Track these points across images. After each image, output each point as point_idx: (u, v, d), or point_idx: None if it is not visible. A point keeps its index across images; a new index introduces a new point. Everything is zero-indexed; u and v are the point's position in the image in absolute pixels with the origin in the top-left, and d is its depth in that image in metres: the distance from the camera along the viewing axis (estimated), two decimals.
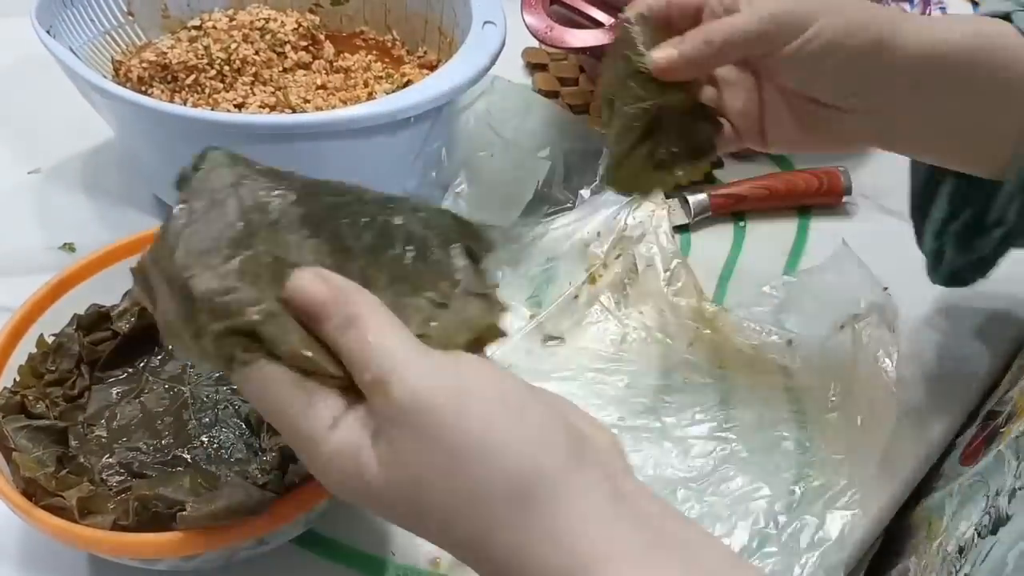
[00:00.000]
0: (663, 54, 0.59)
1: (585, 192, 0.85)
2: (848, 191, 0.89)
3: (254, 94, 0.84)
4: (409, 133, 0.76)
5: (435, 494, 0.39)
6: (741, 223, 0.88)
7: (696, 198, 0.87)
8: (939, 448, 0.71)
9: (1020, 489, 0.54)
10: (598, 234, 0.81)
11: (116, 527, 0.52)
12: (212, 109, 0.82)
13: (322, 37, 0.92)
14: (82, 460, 0.57)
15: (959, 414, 0.73)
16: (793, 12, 0.56)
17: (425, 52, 0.93)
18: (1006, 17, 0.58)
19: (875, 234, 0.85)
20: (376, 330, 0.41)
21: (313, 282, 0.43)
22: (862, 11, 0.57)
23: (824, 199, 0.89)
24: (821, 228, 0.88)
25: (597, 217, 0.82)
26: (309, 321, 0.43)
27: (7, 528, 0.61)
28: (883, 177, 0.93)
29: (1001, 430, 0.64)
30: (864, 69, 0.57)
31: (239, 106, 0.82)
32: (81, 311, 0.65)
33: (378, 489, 0.40)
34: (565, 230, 0.83)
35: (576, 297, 0.77)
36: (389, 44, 0.95)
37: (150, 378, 0.63)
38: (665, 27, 0.60)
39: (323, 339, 0.42)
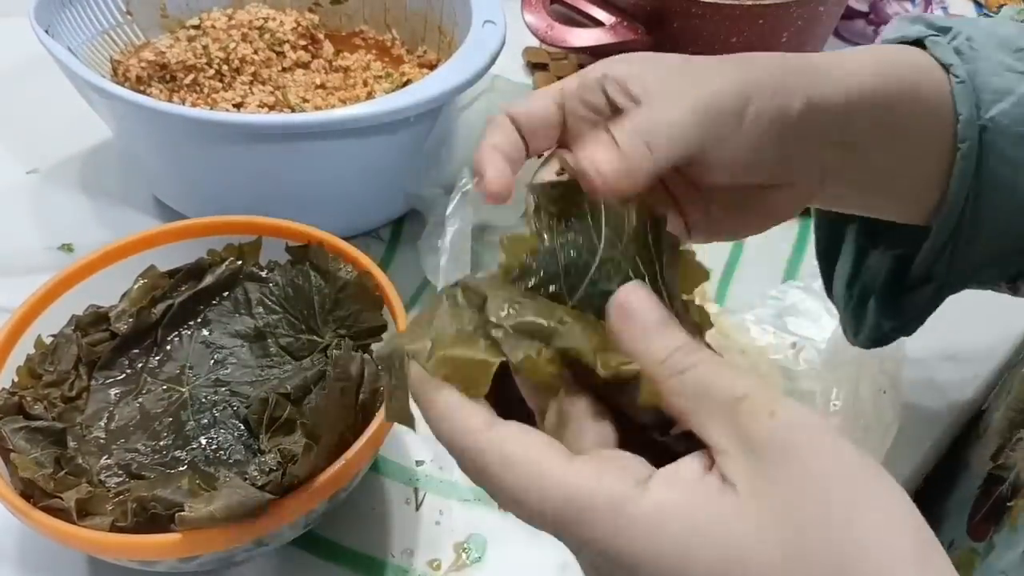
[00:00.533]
0: (601, 158, 0.43)
1: None
2: None
3: (253, 93, 0.83)
4: (409, 132, 0.76)
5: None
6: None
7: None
8: (936, 454, 0.71)
9: None
10: None
11: (114, 528, 0.52)
12: (211, 109, 0.81)
13: (321, 36, 0.92)
14: (80, 461, 0.57)
15: (957, 420, 0.73)
16: (723, 97, 0.45)
17: (425, 51, 0.93)
18: (917, 43, 0.51)
19: None
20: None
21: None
22: (777, 71, 0.46)
23: None
24: None
25: None
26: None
27: (6, 529, 0.61)
28: None
29: (1008, 504, 0.58)
30: (796, 138, 0.47)
31: (238, 106, 0.82)
32: (79, 312, 0.65)
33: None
34: None
35: None
36: (388, 43, 0.95)
37: (148, 379, 0.62)
38: None
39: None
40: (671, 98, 0.44)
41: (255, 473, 0.53)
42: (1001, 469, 0.63)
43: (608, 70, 0.46)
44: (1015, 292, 0.57)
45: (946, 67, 0.49)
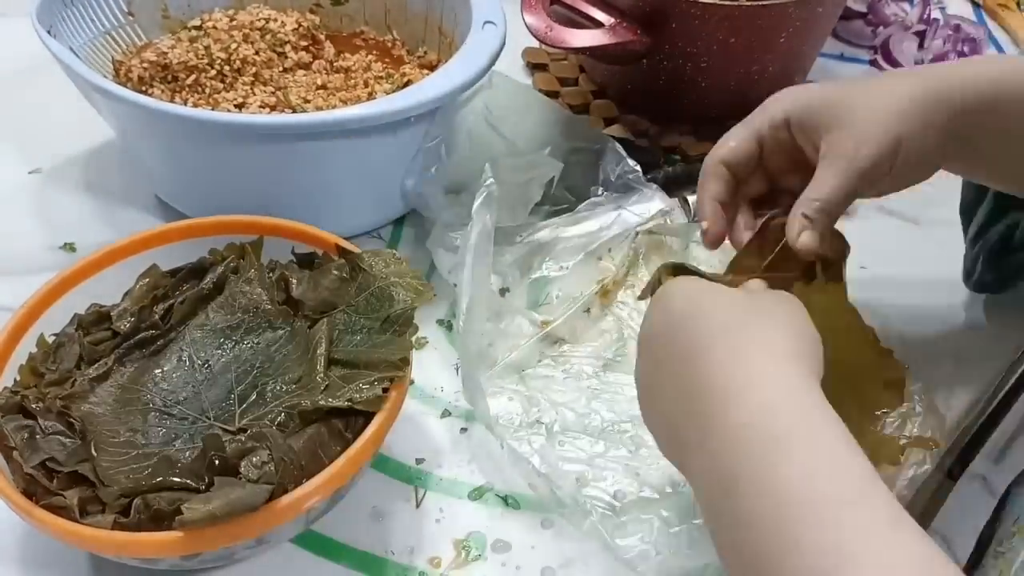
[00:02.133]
0: (806, 238, 0.60)
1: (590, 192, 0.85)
2: None
3: (254, 94, 0.83)
4: (409, 133, 0.75)
5: None
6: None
7: (696, 198, 0.85)
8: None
9: None
10: (609, 249, 0.80)
11: (116, 526, 0.51)
12: (212, 109, 0.81)
13: (322, 37, 0.91)
14: (82, 459, 0.56)
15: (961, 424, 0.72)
16: (881, 155, 0.59)
17: (425, 52, 0.93)
18: None
19: (875, 235, 0.84)
20: None
21: None
22: (927, 105, 0.60)
23: None
24: None
25: (599, 218, 0.81)
26: None
27: (9, 528, 0.61)
28: None
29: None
30: (940, 156, 0.62)
31: (239, 106, 0.82)
32: (82, 311, 0.64)
33: None
34: (567, 231, 0.81)
35: (588, 311, 0.77)
36: (389, 44, 0.95)
37: (149, 378, 0.61)
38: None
39: None
40: (842, 167, 0.59)
41: (250, 469, 0.52)
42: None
43: (790, 111, 0.61)
44: None
45: None
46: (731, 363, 0.49)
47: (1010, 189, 0.68)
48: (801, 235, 0.60)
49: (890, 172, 0.60)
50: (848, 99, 0.60)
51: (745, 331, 0.50)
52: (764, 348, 0.49)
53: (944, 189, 0.89)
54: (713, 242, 0.65)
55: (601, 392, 0.71)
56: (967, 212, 0.75)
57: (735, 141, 0.63)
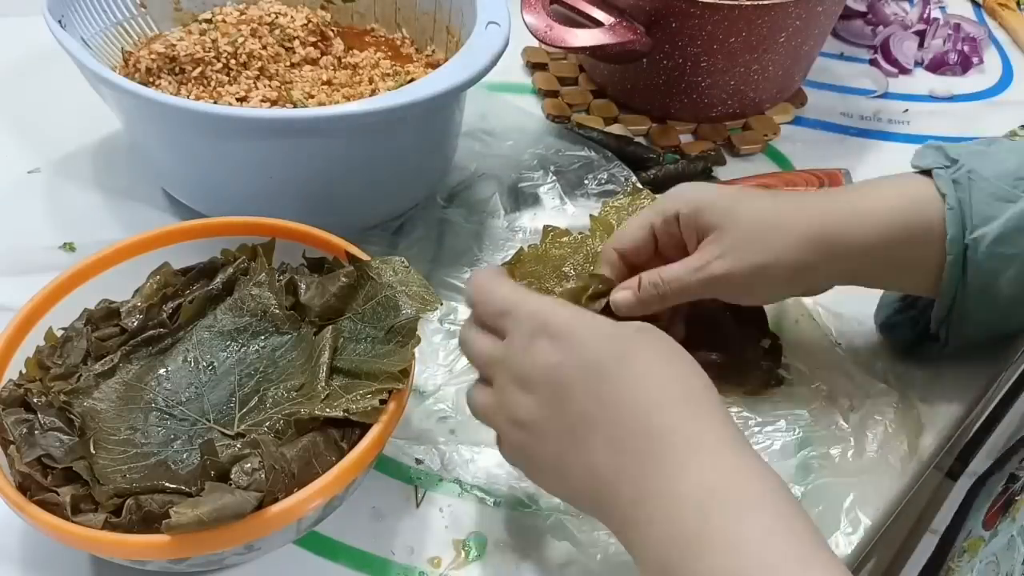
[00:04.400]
0: (620, 296, 0.64)
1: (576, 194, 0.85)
2: None
3: (257, 88, 0.80)
4: (408, 131, 0.73)
5: None
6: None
7: None
8: (934, 454, 0.68)
9: None
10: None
11: (108, 525, 0.49)
12: (215, 102, 0.78)
13: (332, 33, 0.89)
14: (78, 456, 0.54)
15: (954, 424, 0.69)
16: (736, 272, 0.61)
17: (433, 51, 0.90)
18: (927, 172, 0.63)
19: None
20: None
21: None
22: (803, 234, 0.61)
23: None
24: None
25: (586, 210, 0.80)
26: None
27: (9, 528, 0.59)
28: None
29: (1017, 498, 0.62)
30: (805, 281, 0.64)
31: (242, 100, 0.79)
32: (92, 307, 0.62)
33: None
34: (555, 223, 0.79)
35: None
36: (398, 42, 0.92)
37: (152, 376, 0.59)
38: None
39: None
40: (704, 267, 0.61)
41: (240, 476, 0.50)
42: (1021, 469, 0.64)
43: (680, 208, 0.62)
44: None
45: (943, 195, 0.61)
46: (677, 426, 0.47)
47: (914, 292, 0.68)
48: (621, 293, 0.64)
49: (749, 291, 0.63)
50: (735, 211, 0.61)
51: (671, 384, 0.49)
52: (697, 406, 0.48)
53: None
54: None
55: None
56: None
57: (629, 232, 0.65)
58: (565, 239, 0.74)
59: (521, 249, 0.74)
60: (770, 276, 0.61)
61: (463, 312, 0.73)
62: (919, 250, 0.62)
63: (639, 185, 0.84)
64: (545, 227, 0.75)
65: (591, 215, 0.75)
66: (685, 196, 0.63)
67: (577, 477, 0.49)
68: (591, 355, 0.49)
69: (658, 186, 0.84)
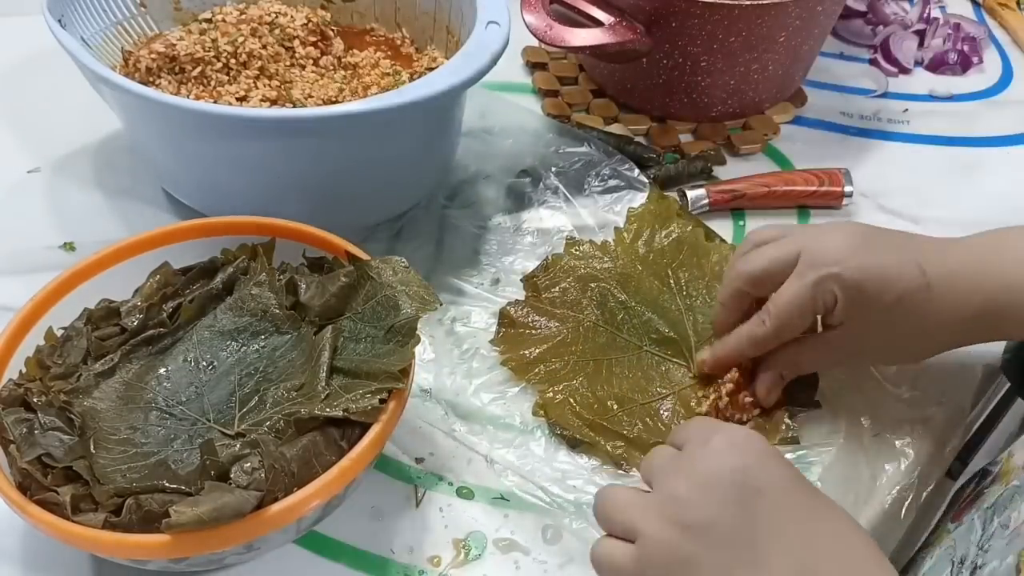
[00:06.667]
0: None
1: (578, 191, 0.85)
2: (848, 191, 0.85)
3: (257, 88, 0.80)
4: (409, 131, 0.72)
5: None
6: (740, 221, 0.84)
7: (694, 192, 0.84)
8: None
9: (980, 567, 0.52)
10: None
11: (108, 525, 0.49)
12: (215, 102, 0.78)
13: (332, 33, 0.88)
14: (78, 455, 0.53)
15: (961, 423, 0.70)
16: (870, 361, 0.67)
17: (433, 51, 0.90)
18: None
19: None
20: None
21: None
22: (957, 326, 0.61)
23: (824, 199, 0.85)
24: None
25: (590, 208, 0.81)
26: None
27: (9, 528, 0.58)
28: (883, 177, 0.89)
29: (985, 491, 0.61)
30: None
31: (241, 99, 0.79)
32: (92, 306, 0.62)
33: None
34: (557, 221, 0.81)
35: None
36: (398, 42, 0.91)
37: (152, 375, 0.59)
38: None
39: None
40: (774, 318, 0.62)
41: (240, 475, 0.50)
42: (994, 464, 0.63)
43: (825, 280, 0.59)
44: None
45: None
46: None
47: None
48: (770, 395, 0.65)
49: None
50: (893, 310, 0.60)
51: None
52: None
53: (943, 189, 0.86)
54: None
55: None
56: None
57: (802, 320, 0.62)
58: (582, 248, 0.76)
59: (546, 258, 0.76)
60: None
61: (465, 313, 0.73)
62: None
63: (648, 183, 0.84)
64: (567, 239, 0.78)
65: (615, 228, 0.77)
66: (844, 280, 0.59)
67: None
68: (777, 466, 0.49)
69: (658, 186, 0.84)
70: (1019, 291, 0.59)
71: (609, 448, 0.63)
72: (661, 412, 0.66)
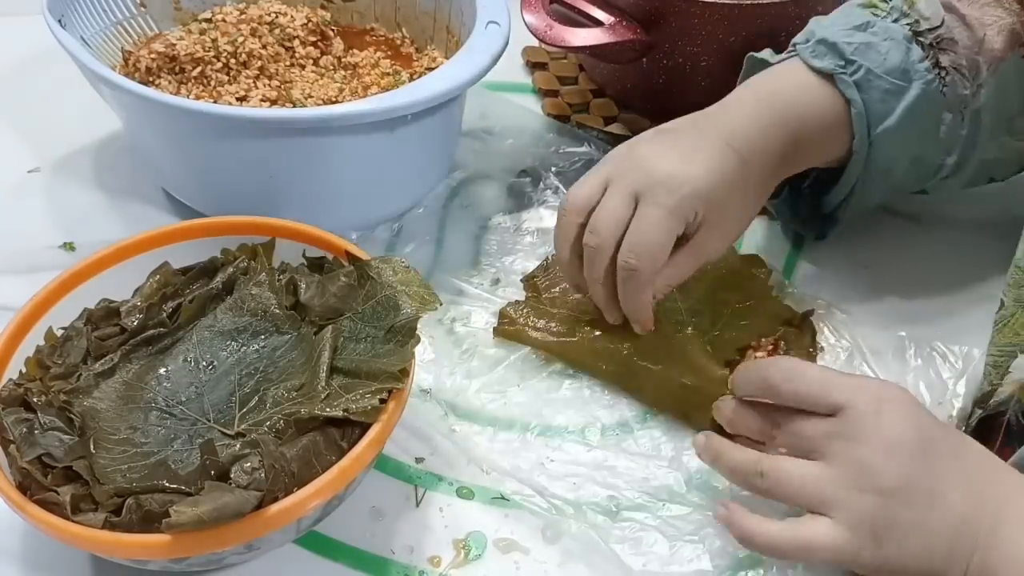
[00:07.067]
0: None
1: None
2: None
3: (257, 87, 0.80)
4: (408, 130, 0.72)
5: None
6: None
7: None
8: None
9: None
10: None
11: (108, 525, 0.49)
12: (215, 101, 0.78)
13: (332, 33, 0.89)
14: (78, 455, 0.53)
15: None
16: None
17: (433, 51, 0.90)
18: (830, 76, 0.68)
19: (876, 233, 0.81)
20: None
21: None
22: (763, 187, 0.70)
23: None
24: None
25: None
26: None
27: (9, 528, 0.58)
28: None
29: None
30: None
31: (241, 99, 0.79)
32: (92, 306, 0.62)
33: None
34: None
35: None
36: (398, 41, 0.91)
37: (152, 375, 0.59)
38: None
39: None
40: (700, 256, 0.67)
41: (240, 475, 0.50)
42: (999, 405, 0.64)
43: (699, 208, 0.64)
44: None
45: (846, 98, 0.67)
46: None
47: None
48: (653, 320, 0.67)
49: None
50: (726, 204, 0.65)
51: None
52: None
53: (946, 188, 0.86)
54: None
55: (600, 398, 0.68)
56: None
57: (662, 248, 0.64)
58: None
59: (546, 259, 0.76)
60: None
61: (465, 313, 0.73)
62: (833, 152, 0.70)
63: None
64: None
65: None
66: (701, 194, 0.63)
67: (939, 533, 0.50)
68: (932, 417, 0.54)
69: None
70: (809, 118, 0.68)
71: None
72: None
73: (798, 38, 0.72)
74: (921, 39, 0.68)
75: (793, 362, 0.59)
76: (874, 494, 0.51)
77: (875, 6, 0.71)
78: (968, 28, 0.68)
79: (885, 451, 0.51)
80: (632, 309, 0.66)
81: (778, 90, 0.69)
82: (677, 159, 0.64)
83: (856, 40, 0.68)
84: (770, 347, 0.69)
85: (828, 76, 0.68)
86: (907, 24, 0.69)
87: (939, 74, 0.68)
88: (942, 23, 0.68)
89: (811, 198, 0.79)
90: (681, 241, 0.65)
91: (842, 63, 0.67)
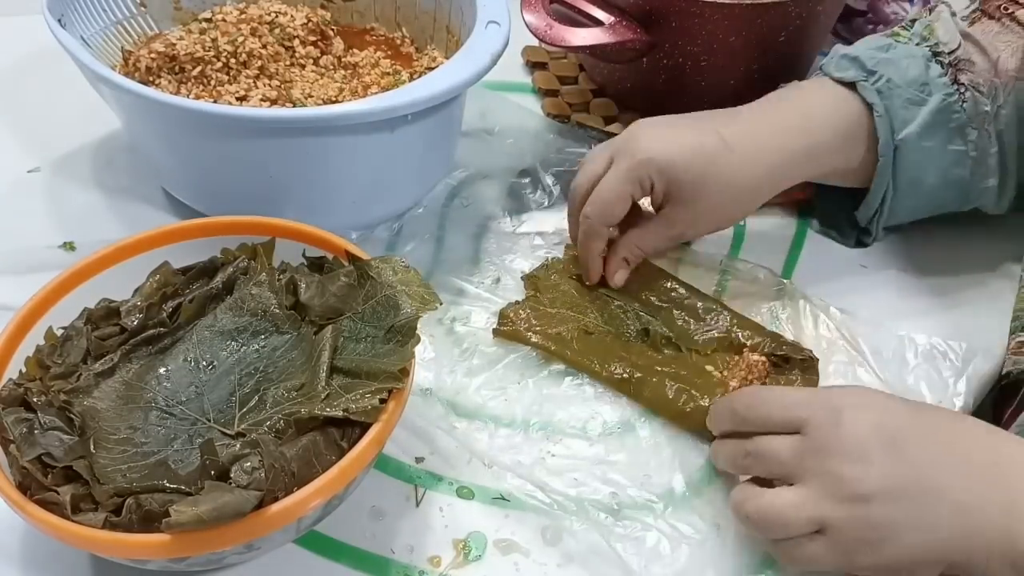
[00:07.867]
0: (619, 277, 0.73)
1: None
2: None
3: (257, 87, 0.80)
4: (408, 130, 0.72)
5: None
6: (740, 221, 0.84)
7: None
8: None
9: None
10: None
11: (108, 525, 0.49)
12: (215, 101, 0.78)
13: (332, 32, 0.88)
14: (78, 455, 0.53)
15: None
16: (705, 232, 0.75)
17: (433, 51, 0.90)
18: (852, 85, 0.72)
19: None
20: None
21: None
22: (763, 188, 0.72)
23: None
24: None
25: None
26: None
27: (9, 528, 0.58)
28: None
29: None
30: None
31: (241, 99, 0.79)
32: (92, 306, 0.62)
33: None
34: (557, 221, 0.81)
35: None
36: (398, 41, 0.91)
37: (152, 375, 0.59)
38: None
39: None
40: (673, 228, 0.72)
41: (240, 475, 0.50)
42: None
43: (654, 176, 0.68)
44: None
45: (870, 106, 0.71)
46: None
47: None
48: (619, 274, 0.72)
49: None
50: (704, 183, 0.68)
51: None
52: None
53: None
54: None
55: (602, 395, 0.68)
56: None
57: (615, 209, 0.69)
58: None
59: (548, 258, 0.77)
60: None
61: (465, 313, 0.73)
62: (854, 159, 0.73)
63: None
64: (567, 244, 0.78)
65: None
66: (657, 163, 0.67)
67: (939, 521, 0.50)
68: (901, 406, 0.55)
69: None
70: (826, 123, 0.71)
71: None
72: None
73: (823, 62, 0.76)
74: (940, 59, 0.72)
75: (754, 389, 0.62)
76: (853, 502, 0.51)
77: (897, 34, 0.75)
78: (983, 52, 0.72)
79: (852, 457, 0.52)
80: (583, 257, 0.72)
81: (795, 97, 0.73)
82: (656, 134, 0.69)
83: (879, 56, 0.72)
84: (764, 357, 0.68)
85: (851, 85, 0.71)
86: (927, 47, 0.73)
87: (958, 89, 0.71)
88: (959, 46, 0.72)
89: (848, 214, 0.80)
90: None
91: (864, 74, 0.71)
